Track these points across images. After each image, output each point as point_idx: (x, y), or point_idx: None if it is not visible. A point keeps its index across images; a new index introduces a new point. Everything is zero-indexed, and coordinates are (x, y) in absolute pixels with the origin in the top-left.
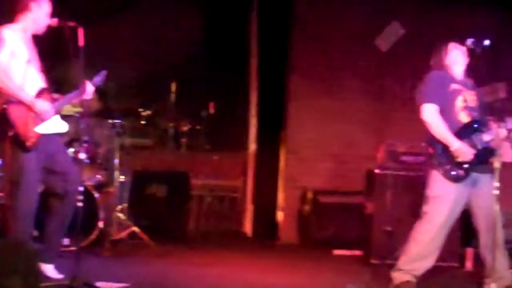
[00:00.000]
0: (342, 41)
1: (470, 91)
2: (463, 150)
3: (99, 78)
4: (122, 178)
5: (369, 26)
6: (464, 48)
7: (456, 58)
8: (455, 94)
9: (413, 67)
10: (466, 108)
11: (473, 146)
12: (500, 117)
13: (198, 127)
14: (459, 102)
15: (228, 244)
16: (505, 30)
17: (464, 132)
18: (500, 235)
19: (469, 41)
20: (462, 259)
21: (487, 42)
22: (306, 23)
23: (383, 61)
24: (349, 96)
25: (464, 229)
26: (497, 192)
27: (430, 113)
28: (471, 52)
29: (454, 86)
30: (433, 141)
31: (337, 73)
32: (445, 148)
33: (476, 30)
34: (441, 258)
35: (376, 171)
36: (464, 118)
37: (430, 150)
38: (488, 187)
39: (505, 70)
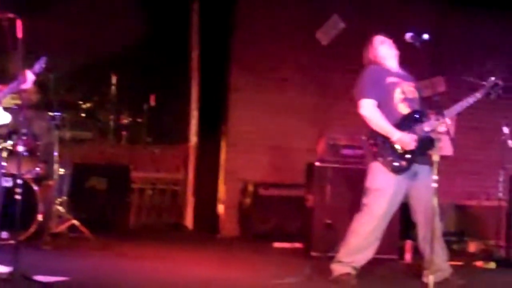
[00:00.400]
0: (283, 34)
1: (407, 82)
2: (405, 140)
3: (39, 65)
4: (61, 171)
5: (310, 20)
6: (390, 41)
7: (386, 51)
8: (393, 86)
9: (354, 60)
10: (405, 99)
11: (414, 136)
12: (438, 111)
13: (139, 120)
14: (397, 94)
15: (169, 237)
16: (444, 24)
17: (404, 123)
18: (438, 227)
19: (408, 35)
20: (401, 251)
21: (426, 36)
22: (247, 16)
23: (324, 55)
24: (290, 89)
25: (404, 221)
26: (435, 185)
27: (368, 108)
28: (410, 46)
29: (390, 79)
30: (373, 133)
31: (278, 66)
32: (386, 140)
33: (416, 24)
34: (380, 250)
35: (317, 164)
36: (403, 109)
37: (371, 143)
38: (427, 180)
39: (445, 64)
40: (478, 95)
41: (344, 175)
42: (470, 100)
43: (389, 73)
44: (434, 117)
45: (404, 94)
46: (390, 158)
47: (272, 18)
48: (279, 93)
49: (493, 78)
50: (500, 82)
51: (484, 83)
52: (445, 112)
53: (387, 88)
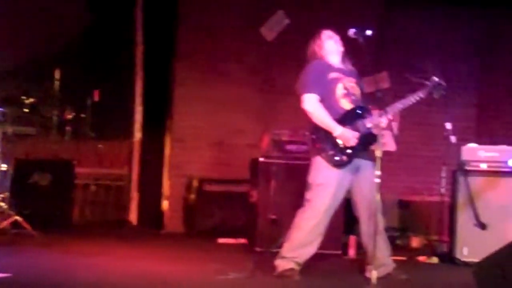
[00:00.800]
0: (228, 29)
1: (349, 78)
2: (346, 135)
3: None
4: (4, 166)
5: (255, 16)
6: (337, 37)
7: (332, 47)
8: (335, 82)
9: (299, 56)
10: (347, 95)
11: (356, 131)
12: (381, 107)
13: (82, 115)
14: (339, 90)
15: (113, 233)
16: (388, 20)
17: (346, 118)
18: (381, 222)
19: (352, 31)
20: (345, 247)
21: (369, 32)
22: (192, 11)
23: (268, 50)
24: (235, 85)
25: (347, 217)
26: (378, 180)
27: (310, 103)
28: (354, 42)
29: (333, 74)
30: (315, 128)
31: (223, 62)
32: (328, 134)
33: (359, 19)
34: (324, 246)
35: (261, 159)
36: (346, 105)
37: (313, 138)
38: (369, 175)
39: (389, 59)
40: (420, 94)
41: (288, 171)
42: (412, 99)
43: (331, 68)
44: (377, 113)
45: (346, 89)
46: (331, 153)
47: (217, 14)
48: (224, 88)
49: (436, 79)
50: (443, 83)
51: (427, 83)
52: (388, 108)
53: (329, 84)
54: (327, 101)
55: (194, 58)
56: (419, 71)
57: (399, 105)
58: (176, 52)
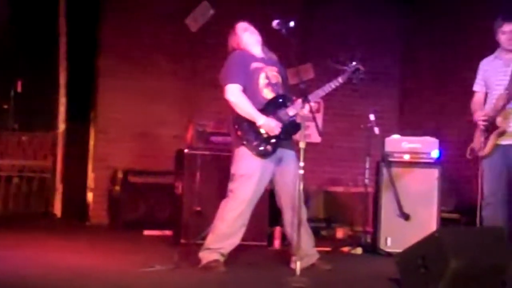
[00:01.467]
0: (152, 20)
1: (271, 67)
2: (270, 125)
3: None
4: None
5: (179, 6)
6: (252, 28)
7: (248, 38)
8: (257, 71)
9: (223, 47)
10: (269, 84)
11: (279, 120)
12: (304, 98)
13: (5, 106)
14: (261, 80)
15: (37, 225)
16: (312, 11)
17: (269, 107)
18: (304, 213)
19: (275, 22)
20: (270, 238)
21: (292, 23)
22: (116, 2)
23: (193, 41)
24: (159, 76)
25: (272, 208)
26: (302, 171)
27: (234, 93)
28: (278, 33)
29: (255, 64)
30: (238, 119)
31: (147, 53)
32: (252, 124)
33: (283, 10)
34: (249, 237)
35: (186, 151)
36: (268, 94)
37: (236, 128)
38: (293, 166)
39: (313, 51)
40: (340, 79)
41: (213, 162)
42: (332, 85)
43: (253, 58)
44: (298, 101)
45: (268, 79)
46: (255, 143)
47: (141, 4)
48: (149, 80)
49: (354, 63)
50: (361, 67)
51: (345, 68)
52: (310, 96)
53: (251, 73)
54: (250, 91)
55: (118, 49)
56: (339, 58)
57: (320, 92)
58: (100, 43)
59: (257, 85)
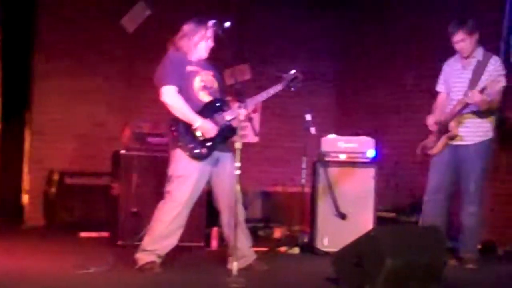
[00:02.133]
0: (88, 20)
1: (206, 71)
2: (206, 127)
3: None
4: None
5: (116, 6)
6: (198, 30)
7: (190, 40)
8: (192, 75)
9: (160, 48)
10: (205, 88)
11: (216, 124)
12: (240, 99)
13: None
14: (196, 83)
15: None
16: (248, 12)
17: (206, 111)
18: (241, 214)
19: (210, 23)
20: (207, 238)
21: (227, 24)
22: (52, 1)
23: (130, 42)
24: (96, 77)
25: (210, 209)
26: (238, 172)
27: (169, 94)
28: (213, 34)
29: (190, 67)
30: (175, 120)
31: (84, 53)
32: (188, 127)
33: (220, 11)
34: (187, 237)
35: (122, 152)
36: (204, 97)
37: (173, 130)
38: (229, 167)
39: (249, 51)
40: (279, 86)
41: (149, 163)
42: (271, 91)
43: (189, 61)
44: (236, 105)
45: (203, 82)
46: (191, 145)
47: (78, 4)
48: (86, 80)
49: (293, 71)
50: (299, 75)
51: (284, 75)
52: (247, 101)
53: (187, 76)
54: (186, 94)
55: (54, 49)
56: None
57: (259, 98)
58: (35, 43)
59: (192, 88)
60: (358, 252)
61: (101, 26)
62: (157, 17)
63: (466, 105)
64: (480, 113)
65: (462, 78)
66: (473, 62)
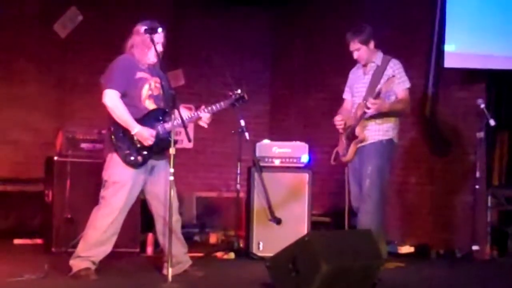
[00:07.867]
0: (21, 26)
1: (155, 78)
2: (144, 135)
3: None
4: None
5: (48, 11)
6: (146, 35)
7: (140, 44)
8: (141, 82)
9: (93, 53)
10: (152, 96)
11: (154, 133)
12: (175, 104)
13: None
14: (145, 91)
15: None
16: (183, 16)
17: (147, 119)
18: (176, 220)
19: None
20: (143, 244)
21: (160, 29)
22: None
23: (62, 47)
24: (29, 83)
25: (145, 215)
26: (172, 178)
27: (111, 98)
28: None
29: (140, 74)
30: (114, 125)
31: (16, 59)
32: (126, 133)
33: (153, 15)
34: (122, 243)
35: (55, 158)
36: (150, 105)
37: (111, 134)
38: (164, 174)
39: (184, 56)
40: (222, 104)
41: (83, 169)
42: (214, 107)
43: (139, 67)
44: (175, 116)
45: (151, 91)
46: (127, 152)
47: (9, 9)
48: (17, 86)
49: (239, 91)
50: (245, 96)
51: (231, 94)
52: (187, 118)
53: (135, 83)
54: (132, 100)
55: None
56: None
57: (202, 114)
58: None
59: (140, 96)
60: (293, 257)
61: (34, 31)
62: (90, 22)
63: (367, 108)
64: (381, 115)
65: (363, 83)
66: (372, 67)
